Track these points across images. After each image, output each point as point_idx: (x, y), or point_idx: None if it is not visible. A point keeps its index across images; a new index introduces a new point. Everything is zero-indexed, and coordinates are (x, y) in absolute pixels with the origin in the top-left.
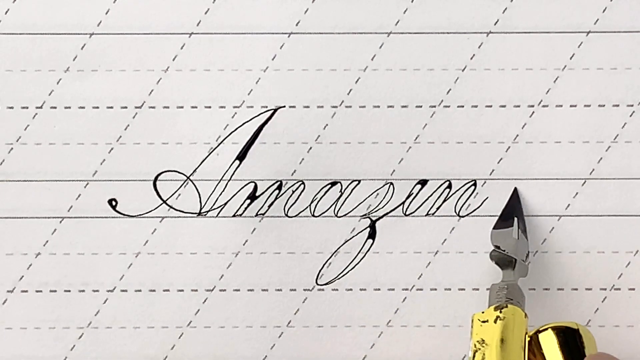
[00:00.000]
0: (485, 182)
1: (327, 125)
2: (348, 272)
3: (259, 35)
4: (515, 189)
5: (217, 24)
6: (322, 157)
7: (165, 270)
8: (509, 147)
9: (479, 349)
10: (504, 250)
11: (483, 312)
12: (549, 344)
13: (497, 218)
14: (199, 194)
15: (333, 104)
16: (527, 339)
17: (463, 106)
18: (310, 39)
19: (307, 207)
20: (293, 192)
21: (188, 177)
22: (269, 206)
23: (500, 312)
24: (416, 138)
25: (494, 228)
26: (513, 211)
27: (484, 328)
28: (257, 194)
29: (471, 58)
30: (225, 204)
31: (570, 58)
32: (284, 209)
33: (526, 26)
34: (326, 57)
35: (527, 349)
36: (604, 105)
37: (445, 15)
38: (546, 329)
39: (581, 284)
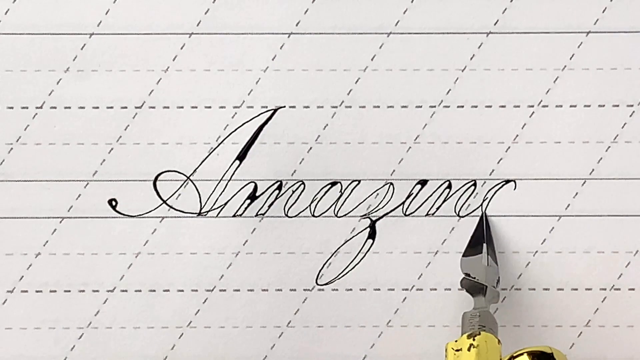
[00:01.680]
0: (485, 182)
1: (327, 125)
2: (348, 272)
3: (259, 35)
4: (483, 215)
5: (217, 24)
6: (322, 157)
7: (165, 270)
8: (509, 147)
9: None
10: (474, 278)
11: (456, 341)
12: None
13: (465, 246)
14: (199, 194)
15: (333, 104)
16: None
17: (463, 106)
18: (310, 39)
19: (307, 207)
20: (293, 192)
21: (188, 177)
22: (269, 206)
23: (474, 339)
24: (416, 138)
25: (463, 255)
26: (481, 238)
27: (458, 356)
28: (257, 194)
29: (471, 58)
30: (225, 204)
31: (570, 58)
32: (284, 209)
33: (526, 26)
34: (326, 57)
35: None
36: (604, 105)
37: (445, 15)
38: (521, 354)
39: (581, 284)
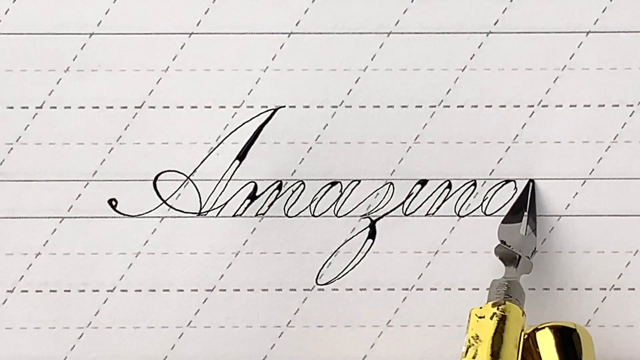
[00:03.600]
0: (485, 182)
1: (327, 125)
2: (348, 272)
3: (259, 35)
4: (529, 182)
5: (217, 24)
6: (322, 157)
7: (165, 270)
8: (509, 147)
9: (472, 344)
10: (509, 246)
11: (481, 308)
12: (546, 343)
13: (507, 212)
14: (199, 194)
15: (333, 104)
16: (524, 337)
17: (463, 106)
18: (310, 39)
19: (307, 207)
20: (293, 192)
21: (188, 177)
22: (269, 206)
23: (498, 309)
24: (416, 138)
25: (502, 222)
26: (524, 205)
27: (480, 324)
28: (257, 194)
29: (471, 58)
30: (225, 204)
31: (570, 58)
32: (284, 209)
33: (526, 26)
34: (326, 57)
35: (522, 348)
36: (604, 105)
37: (445, 15)
38: (543, 328)
39: (581, 284)
